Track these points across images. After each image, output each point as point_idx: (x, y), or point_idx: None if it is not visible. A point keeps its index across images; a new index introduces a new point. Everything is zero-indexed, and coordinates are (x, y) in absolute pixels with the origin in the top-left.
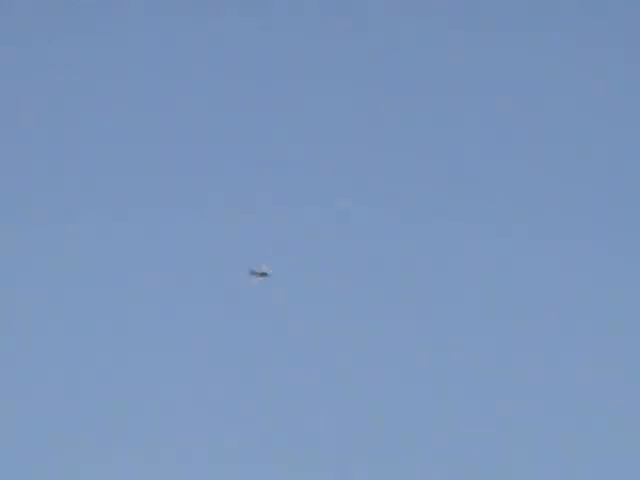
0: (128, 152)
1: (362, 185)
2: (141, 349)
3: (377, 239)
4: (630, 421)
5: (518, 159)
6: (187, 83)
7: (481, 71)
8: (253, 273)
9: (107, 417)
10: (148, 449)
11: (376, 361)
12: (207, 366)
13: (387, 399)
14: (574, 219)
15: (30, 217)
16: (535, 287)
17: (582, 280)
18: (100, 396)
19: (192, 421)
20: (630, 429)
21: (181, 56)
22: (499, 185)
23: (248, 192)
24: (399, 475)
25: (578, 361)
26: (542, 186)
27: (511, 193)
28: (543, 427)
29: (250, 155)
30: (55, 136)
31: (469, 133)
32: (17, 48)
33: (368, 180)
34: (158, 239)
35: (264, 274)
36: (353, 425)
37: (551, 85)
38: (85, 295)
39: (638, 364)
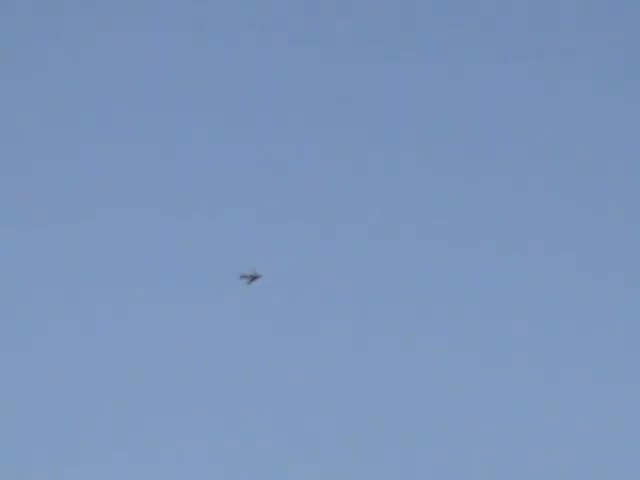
0: (128, 153)
1: (363, 187)
2: (141, 349)
3: (377, 240)
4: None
5: (518, 171)
6: (189, 84)
7: (483, 83)
8: (244, 277)
9: (107, 417)
10: (148, 449)
11: (376, 361)
12: (207, 366)
13: (387, 399)
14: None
15: (31, 217)
16: (535, 291)
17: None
18: (100, 396)
19: (192, 421)
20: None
21: (183, 58)
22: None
23: (249, 193)
24: (400, 475)
25: (578, 361)
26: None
27: (511, 204)
28: (543, 426)
29: (251, 157)
30: (55, 136)
31: (470, 141)
32: (17, 48)
33: (368, 181)
34: (158, 240)
35: (255, 277)
36: (353, 426)
37: (551, 94)
38: (85, 295)
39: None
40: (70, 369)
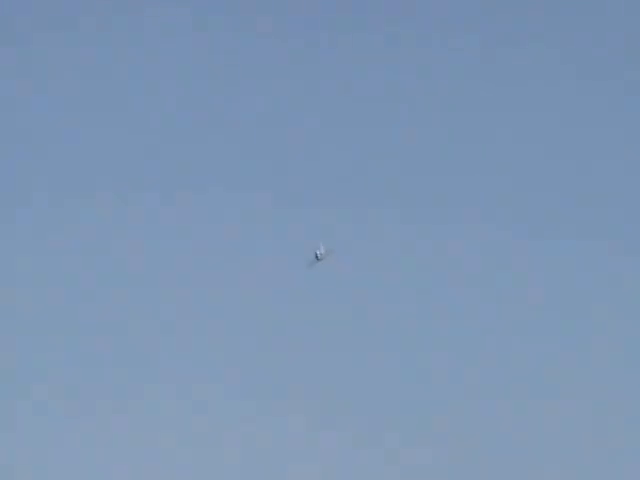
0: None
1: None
2: (139, 344)
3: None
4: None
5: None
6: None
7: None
8: (316, 257)
9: (105, 414)
10: (147, 445)
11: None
12: (206, 364)
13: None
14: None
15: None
16: (535, 283)
17: (583, 278)
18: (98, 393)
19: (191, 419)
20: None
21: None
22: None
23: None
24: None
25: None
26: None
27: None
28: (543, 422)
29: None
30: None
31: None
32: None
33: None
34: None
35: (327, 254)
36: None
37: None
38: (85, 292)
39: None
40: (71, 367)
